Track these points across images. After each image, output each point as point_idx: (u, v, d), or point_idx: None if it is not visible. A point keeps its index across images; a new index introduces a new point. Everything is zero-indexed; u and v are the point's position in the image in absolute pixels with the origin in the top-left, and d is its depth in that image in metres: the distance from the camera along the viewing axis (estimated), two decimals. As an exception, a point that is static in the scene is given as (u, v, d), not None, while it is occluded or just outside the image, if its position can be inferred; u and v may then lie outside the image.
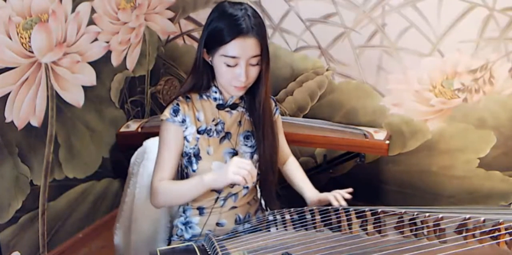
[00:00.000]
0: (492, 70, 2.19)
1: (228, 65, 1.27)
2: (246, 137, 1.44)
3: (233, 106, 1.42)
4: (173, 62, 2.73)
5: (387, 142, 2.22)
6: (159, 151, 1.38)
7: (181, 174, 1.45)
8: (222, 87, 1.37)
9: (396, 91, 2.36)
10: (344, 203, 1.34)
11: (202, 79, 1.37)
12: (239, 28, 1.24)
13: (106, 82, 2.36)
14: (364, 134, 2.28)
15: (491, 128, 2.27)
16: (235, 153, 1.41)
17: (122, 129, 2.45)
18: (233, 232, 1.29)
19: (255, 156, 1.44)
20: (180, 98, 1.38)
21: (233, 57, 1.26)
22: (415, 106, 2.35)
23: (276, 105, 1.52)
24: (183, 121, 1.36)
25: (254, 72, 1.31)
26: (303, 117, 2.54)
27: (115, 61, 2.38)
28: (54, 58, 1.99)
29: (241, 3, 1.30)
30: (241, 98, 1.43)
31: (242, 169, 1.22)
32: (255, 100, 1.39)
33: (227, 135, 1.41)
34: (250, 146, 1.44)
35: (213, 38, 1.28)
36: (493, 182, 2.33)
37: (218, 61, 1.29)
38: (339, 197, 1.35)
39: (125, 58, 2.46)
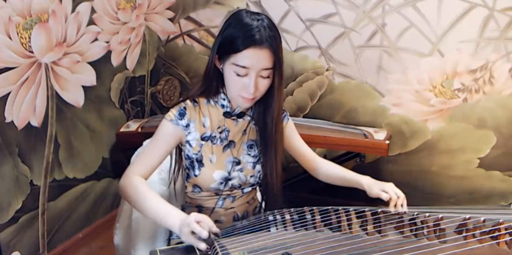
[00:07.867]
0: (492, 70, 2.19)
1: (238, 75, 1.25)
2: (250, 146, 1.41)
3: (240, 115, 1.39)
4: (173, 62, 2.73)
5: (387, 142, 2.22)
6: (149, 145, 1.35)
7: (183, 173, 1.45)
8: (230, 97, 1.35)
9: (396, 91, 2.36)
10: (401, 210, 1.30)
11: (212, 85, 1.35)
12: (253, 38, 1.21)
13: (106, 82, 2.36)
14: (364, 134, 2.28)
15: (491, 128, 2.27)
16: (237, 162, 1.39)
17: (122, 129, 2.45)
18: (231, 228, 1.29)
19: (257, 167, 1.42)
20: (188, 102, 1.35)
21: (244, 67, 1.24)
22: (415, 106, 2.35)
23: (284, 113, 1.48)
24: (187, 125, 1.34)
25: (263, 85, 1.28)
26: (303, 117, 2.54)
27: (115, 61, 2.38)
28: (54, 58, 1.99)
29: (258, 14, 1.28)
30: (249, 107, 1.40)
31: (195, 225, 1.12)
32: (266, 115, 1.36)
33: (230, 143, 1.39)
34: (253, 156, 1.42)
35: (226, 45, 1.26)
36: (493, 182, 2.33)
37: (229, 69, 1.27)
38: (399, 203, 1.32)
39: (125, 58, 2.46)
